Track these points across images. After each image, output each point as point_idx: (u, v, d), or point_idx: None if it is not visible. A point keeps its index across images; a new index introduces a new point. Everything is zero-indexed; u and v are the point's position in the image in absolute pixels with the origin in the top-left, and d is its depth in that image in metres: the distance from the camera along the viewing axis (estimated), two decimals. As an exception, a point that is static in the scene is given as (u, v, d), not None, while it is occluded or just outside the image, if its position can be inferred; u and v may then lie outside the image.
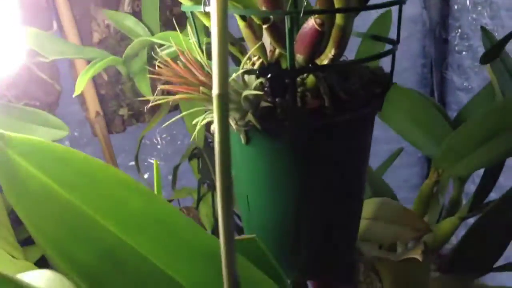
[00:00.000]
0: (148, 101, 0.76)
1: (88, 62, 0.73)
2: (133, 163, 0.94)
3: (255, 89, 0.39)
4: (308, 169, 0.44)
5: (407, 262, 0.55)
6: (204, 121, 0.42)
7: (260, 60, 0.41)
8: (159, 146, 0.92)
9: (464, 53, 1.03)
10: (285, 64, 0.41)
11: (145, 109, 0.77)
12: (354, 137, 0.45)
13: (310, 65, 0.39)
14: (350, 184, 0.47)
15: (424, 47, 1.07)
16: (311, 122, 0.42)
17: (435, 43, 1.04)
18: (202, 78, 0.38)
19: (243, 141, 0.43)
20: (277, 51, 0.43)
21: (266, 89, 0.41)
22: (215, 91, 0.23)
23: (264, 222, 0.47)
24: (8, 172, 0.29)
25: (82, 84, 0.52)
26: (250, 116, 0.40)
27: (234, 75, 0.39)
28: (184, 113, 0.50)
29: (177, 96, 0.39)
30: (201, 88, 0.38)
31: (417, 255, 0.47)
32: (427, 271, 0.58)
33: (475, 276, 0.75)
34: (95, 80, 0.74)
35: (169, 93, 0.79)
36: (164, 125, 0.81)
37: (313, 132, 0.43)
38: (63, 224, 0.29)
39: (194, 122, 0.42)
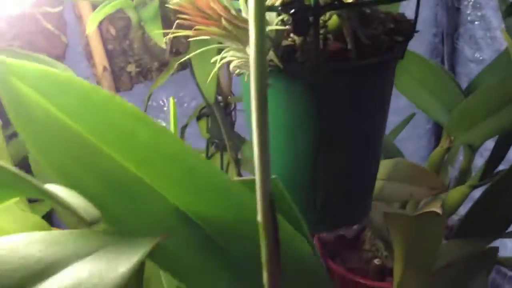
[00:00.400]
0: (157, 57, 0.74)
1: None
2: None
3: (272, 26, 0.38)
4: (327, 115, 0.42)
5: (421, 219, 0.54)
6: (224, 60, 0.41)
7: (282, -1, 0.40)
8: (165, 108, 0.90)
9: (476, 23, 1.02)
10: (308, 2, 0.40)
11: (154, 66, 0.75)
12: (375, 84, 0.43)
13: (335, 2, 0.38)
14: (368, 134, 0.45)
15: (436, 15, 1.05)
16: (333, 66, 0.40)
17: (447, 12, 1.02)
18: (225, 13, 0.37)
19: (261, 84, 0.42)
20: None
21: (288, 27, 0.39)
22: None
23: (281, 170, 0.46)
24: (13, 100, 0.28)
25: (94, 23, 0.50)
26: (271, 55, 0.38)
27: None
28: (192, 54, 0.48)
29: (197, 32, 0.37)
30: (224, 21, 0.36)
31: (436, 208, 0.45)
32: (441, 230, 0.57)
33: (484, 242, 0.74)
34: (103, 35, 0.72)
35: (178, 53, 0.77)
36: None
37: (334, 76, 0.41)
38: (70, 153, 0.28)
39: (213, 60, 0.41)
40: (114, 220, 0.29)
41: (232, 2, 0.39)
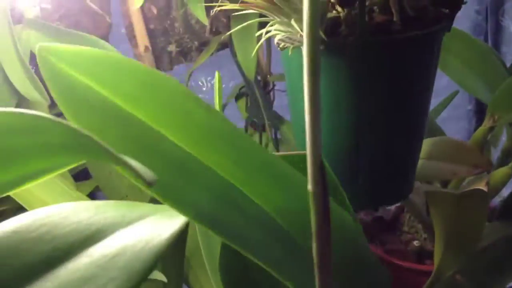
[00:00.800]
0: (197, 35, 0.75)
1: (138, -5, 0.72)
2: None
3: (322, -3, 0.38)
4: (370, 91, 0.42)
5: (465, 198, 0.53)
6: (269, 34, 0.41)
7: (327, -30, 0.40)
8: (204, 89, 0.91)
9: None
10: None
11: (194, 46, 0.76)
12: (421, 58, 0.43)
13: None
14: (412, 110, 0.45)
15: (479, -8, 1.03)
16: (378, 38, 0.40)
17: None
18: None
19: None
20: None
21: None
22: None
23: (323, 147, 0.46)
24: (63, 88, 0.28)
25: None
26: (316, 27, 0.38)
27: (300, -16, 0.38)
28: (234, 30, 0.49)
29: (242, 4, 0.38)
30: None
31: (481, 186, 0.45)
32: (485, 210, 0.56)
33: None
34: (145, 14, 0.73)
35: (218, 32, 0.77)
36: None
37: (378, 50, 0.41)
38: (127, 140, 0.29)
39: (257, 34, 0.41)
40: (165, 192, 0.30)
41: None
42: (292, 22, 0.38)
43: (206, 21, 0.55)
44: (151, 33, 0.75)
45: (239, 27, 0.45)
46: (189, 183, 0.29)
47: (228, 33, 0.69)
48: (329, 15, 0.39)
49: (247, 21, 0.49)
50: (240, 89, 0.76)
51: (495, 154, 0.90)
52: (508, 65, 0.81)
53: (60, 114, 0.79)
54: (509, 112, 0.72)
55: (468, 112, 1.18)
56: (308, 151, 0.23)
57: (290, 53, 0.41)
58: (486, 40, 1.04)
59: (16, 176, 0.24)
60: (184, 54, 0.78)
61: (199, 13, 0.55)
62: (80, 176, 0.77)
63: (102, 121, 0.29)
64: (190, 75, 0.74)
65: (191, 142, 0.29)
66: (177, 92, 0.30)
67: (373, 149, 0.45)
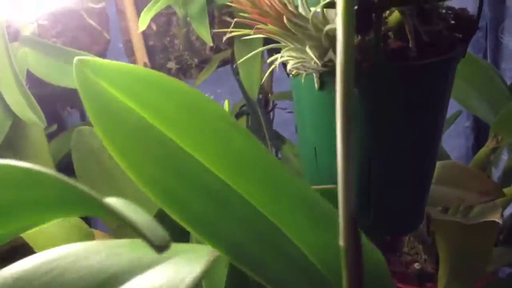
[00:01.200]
0: (197, 53, 0.73)
1: (137, 10, 0.71)
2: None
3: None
4: (382, 116, 0.41)
5: (475, 229, 0.52)
6: (280, 60, 0.39)
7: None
8: (202, 105, 0.90)
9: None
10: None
11: (194, 63, 0.74)
12: (435, 85, 0.42)
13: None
14: (425, 137, 0.44)
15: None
16: (393, 65, 0.39)
17: (491, 4, 0.99)
18: (285, 11, 0.35)
19: (316, 85, 0.40)
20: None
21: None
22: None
23: (333, 176, 0.45)
24: (98, 104, 0.27)
25: (146, 20, 0.49)
26: (331, 55, 0.37)
27: (314, 10, 0.36)
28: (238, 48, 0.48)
29: (257, 30, 0.36)
30: (287, 19, 0.35)
31: (496, 218, 0.43)
32: (494, 239, 0.54)
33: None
34: (144, 30, 0.71)
35: (218, 49, 0.76)
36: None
37: (394, 76, 0.40)
38: (162, 164, 0.27)
39: (270, 60, 0.39)
40: (199, 224, 0.28)
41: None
42: (307, 49, 0.36)
43: (210, 42, 0.53)
44: (150, 50, 0.74)
45: (242, 39, 0.44)
46: (225, 216, 0.27)
47: (230, 51, 0.68)
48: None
49: (251, 41, 0.48)
50: (241, 107, 0.74)
51: (496, 173, 0.89)
52: (508, 82, 0.80)
53: (53, 134, 0.76)
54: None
55: (466, 129, 1.17)
56: (340, 207, 0.21)
57: (303, 80, 0.39)
58: (485, 57, 1.03)
59: (11, 229, 0.23)
60: (184, 71, 0.77)
61: (204, 33, 0.53)
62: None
63: (137, 142, 0.27)
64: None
65: (230, 171, 0.28)
66: (218, 117, 0.28)
67: (385, 177, 0.44)
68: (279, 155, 0.73)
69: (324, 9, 0.37)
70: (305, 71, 0.38)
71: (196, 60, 0.75)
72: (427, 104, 0.42)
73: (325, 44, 0.37)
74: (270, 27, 0.36)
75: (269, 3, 0.35)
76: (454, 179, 0.54)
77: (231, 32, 0.38)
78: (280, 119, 0.86)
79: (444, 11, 0.44)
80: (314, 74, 0.39)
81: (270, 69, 0.40)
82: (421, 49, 0.39)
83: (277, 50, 0.40)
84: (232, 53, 0.68)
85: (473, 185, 0.53)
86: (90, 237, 0.55)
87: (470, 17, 0.43)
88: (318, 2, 0.37)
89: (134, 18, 0.69)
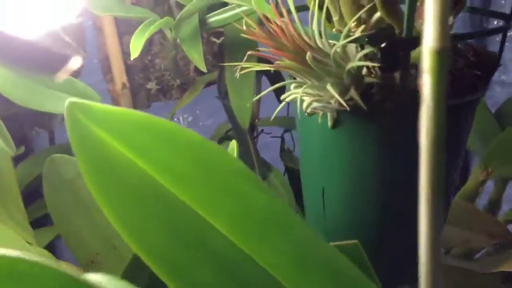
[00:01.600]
0: (181, 75, 0.69)
1: (117, 26, 0.66)
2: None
3: (359, 61, 0.33)
4: (401, 160, 0.37)
5: (478, 274, 0.49)
6: (292, 97, 0.35)
7: (361, 28, 0.35)
8: (181, 126, 0.85)
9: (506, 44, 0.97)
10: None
11: (175, 84, 0.70)
12: (456, 128, 0.38)
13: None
14: (446, 179, 0.40)
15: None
16: (416, 106, 0.35)
17: (472, 31, 0.98)
18: (306, 45, 0.32)
19: (329, 123, 0.37)
20: (375, 15, 0.36)
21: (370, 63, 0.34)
22: (430, 43, 0.16)
23: (342, 221, 0.41)
24: (93, 157, 0.22)
25: (138, 46, 0.44)
26: (353, 93, 0.33)
27: (337, 45, 0.33)
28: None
29: (276, 66, 0.32)
30: (309, 54, 0.31)
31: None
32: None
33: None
34: (123, 49, 0.67)
35: (200, 71, 0.71)
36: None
37: (415, 117, 0.36)
38: (167, 230, 0.22)
39: (283, 97, 0.35)
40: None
41: (307, 29, 0.33)
42: (328, 86, 0.33)
43: (204, 67, 0.49)
44: (129, 69, 0.69)
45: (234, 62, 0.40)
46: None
47: (217, 73, 0.64)
48: (368, 80, 0.34)
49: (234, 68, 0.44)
50: (227, 132, 0.70)
51: (479, 202, 0.87)
52: (492, 110, 0.79)
53: (20, 157, 0.69)
54: (503, 166, 0.70)
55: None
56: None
57: (320, 120, 0.35)
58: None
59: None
60: (164, 92, 0.72)
61: (196, 57, 0.49)
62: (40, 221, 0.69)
63: (138, 202, 0.23)
64: (173, 115, 0.68)
65: (247, 236, 0.23)
66: (234, 171, 0.24)
67: (400, 223, 0.40)
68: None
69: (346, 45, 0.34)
70: (322, 110, 0.35)
71: (178, 81, 0.70)
72: (447, 145, 0.39)
73: (346, 82, 0.34)
74: (288, 62, 0.32)
75: (288, 37, 0.31)
76: (458, 218, 0.51)
77: (241, 68, 0.33)
78: (262, 142, 0.82)
79: (463, 47, 0.41)
80: (331, 113, 0.36)
81: (259, 96, 0.36)
82: (445, 89, 0.36)
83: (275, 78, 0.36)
84: (220, 76, 0.64)
85: (479, 226, 0.50)
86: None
87: (490, 54, 0.41)
88: (336, 36, 0.34)
89: (113, 35, 0.64)
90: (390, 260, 0.41)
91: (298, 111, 0.42)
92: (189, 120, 0.87)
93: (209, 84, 0.72)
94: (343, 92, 0.33)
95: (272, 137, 0.78)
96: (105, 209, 0.23)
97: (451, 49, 0.40)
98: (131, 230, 0.23)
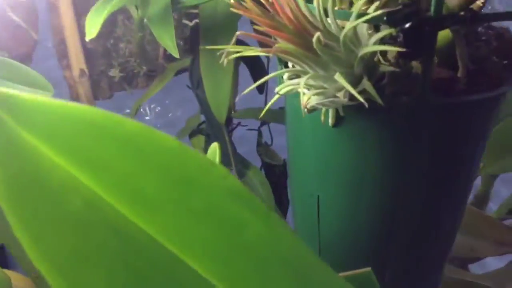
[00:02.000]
0: (149, 61, 0.61)
1: (74, 4, 0.58)
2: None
3: (379, 45, 0.26)
4: (412, 162, 0.31)
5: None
6: (288, 88, 0.29)
7: (375, 4, 0.28)
8: (147, 118, 0.77)
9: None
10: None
11: (142, 71, 0.62)
12: (480, 125, 0.33)
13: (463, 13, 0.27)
14: (460, 186, 0.35)
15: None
16: (440, 100, 0.29)
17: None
18: (311, 26, 0.25)
19: (330, 120, 0.30)
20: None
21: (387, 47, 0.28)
22: None
23: (338, 233, 0.35)
24: (16, 169, 0.16)
25: (95, 25, 0.37)
26: (366, 84, 0.27)
27: (349, 25, 0.26)
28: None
29: (274, 49, 0.25)
30: (319, 36, 0.24)
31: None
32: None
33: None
34: (81, 30, 0.59)
35: (171, 58, 0.64)
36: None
37: (438, 114, 0.30)
38: (125, 269, 0.16)
39: (278, 89, 0.29)
40: None
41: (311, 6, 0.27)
42: (337, 76, 0.26)
43: (177, 53, 0.42)
44: (88, 54, 0.61)
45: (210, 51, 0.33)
46: None
47: (190, 60, 0.57)
48: (385, 68, 0.28)
49: (218, 50, 0.37)
50: (199, 125, 0.63)
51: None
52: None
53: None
54: (494, 163, 0.65)
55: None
56: None
57: (322, 117, 0.29)
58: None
59: None
60: (129, 80, 0.64)
61: (167, 41, 0.41)
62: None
63: (86, 241, 0.16)
64: (138, 108, 0.60)
65: (238, 283, 0.17)
66: (223, 190, 0.17)
67: (406, 235, 0.34)
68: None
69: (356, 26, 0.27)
70: (326, 105, 0.28)
71: (144, 68, 0.63)
72: (467, 146, 0.33)
73: (357, 71, 0.27)
74: (287, 46, 0.25)
75: (290, 14, 0.24)
76: (464, 224, 0.46)
77: (227, 54, 0.27)
78: (236, 135, 0.75)
79: (483, 30, 0.35)
80: (332, 108, 0.29)
81: (278, 94, 0.30)
82: (470, 80, 0.30)
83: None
84: (192, 63, 0.57)
85: (487, 233, 0.44)
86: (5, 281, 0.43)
87: (515, 39, 0.35)
88: (345, 15, 0.27)
89: (70, 15, 0.56)
90: (394, 278, 0.36)
91: (288, 105, 0.36)
92: (157, 110, 0.79)
93: (179, 71, 0.65)
94: (353, 83, 0.27)
95: (249, 129, 0.71)
96: (29, 247, 0.16)
97: (471, 33, 0.34)
98: (73, 279, 0.16)
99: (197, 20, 0.57)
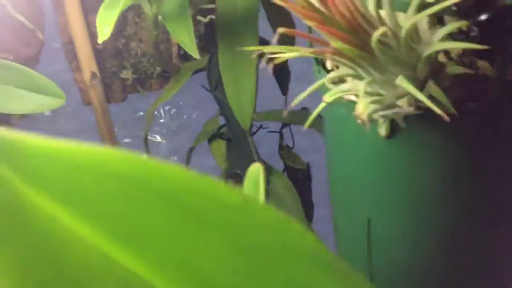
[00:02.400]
0: (163, 61, 0.57)
1: (82, 1, 0.54)
2: (128, 140, 0.75)
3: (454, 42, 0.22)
4: (485, 180, 0.27)
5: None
6: (337, 95, 0.24)
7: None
8: (162, 120, 0.73)
9: None
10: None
11: (155, 73, 0.58)
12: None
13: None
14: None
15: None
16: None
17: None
18: (365, 20, 0.21)
19: (383, 131, 0.26)
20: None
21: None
22: None
23: (393, 262, 0.31)
24: (23, 240, 0.11)
25: (107, 24, 0.32)
26: (433, 89, 0.22)
27: (413, 19, 0.22)
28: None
29: (330, 51, 0.21)
30: (380, 33, 0.20)
31: None
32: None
33: None
34: (90, 30, 0.55)
35: (186, 57, 0.60)
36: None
37: (508, 123, 0.26)
38: None
39: (326, 97, 0.24)
40: None
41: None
42: (399, 81, 0.22)
43: (197, 53, 0.38)
44: (99, 55, 0.57)
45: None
46: None
47: (207, 59, 0.52)
48: (454, 69, 0.23)
49: (245, 53, 0.33)
50: (219, 128, 0.59)
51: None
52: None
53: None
54: None
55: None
56: None
57: (384, 132, 0.25)
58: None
59: None
60: (142, 82, 0.60)
61: (185, 39, 0.37)
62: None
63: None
64: (152, 111, 0.56)
65: None
66: (301, 256, 0.13)
67: (471, 268, 0.30)
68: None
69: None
70: (385, 116, 0.24)
71: (158, 68, 0.58)
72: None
73: (421, 73, 0.23)
74: (341, 45, 0.21)
75: (345, 10, 0.20)
76: None
77: (273, 52, 0.23)
78: (255, 137, 0.71)
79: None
80: (390, 118, 0.25)
81: (325, 102, 0.25)
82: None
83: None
84: (210, 62, 0.53)
85: None
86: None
87: None
88: (401, 5, 0.23)
89: (77, 13, 0.52)
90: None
91: (330, 114, 0.31)
92: (172, 112, 0.75)
93: (194, 72, 0.60)
94: (420, 86, 0.23)
95: (269, 131, 0.67)
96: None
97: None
98: None
99: (212, 16, 0.53)
